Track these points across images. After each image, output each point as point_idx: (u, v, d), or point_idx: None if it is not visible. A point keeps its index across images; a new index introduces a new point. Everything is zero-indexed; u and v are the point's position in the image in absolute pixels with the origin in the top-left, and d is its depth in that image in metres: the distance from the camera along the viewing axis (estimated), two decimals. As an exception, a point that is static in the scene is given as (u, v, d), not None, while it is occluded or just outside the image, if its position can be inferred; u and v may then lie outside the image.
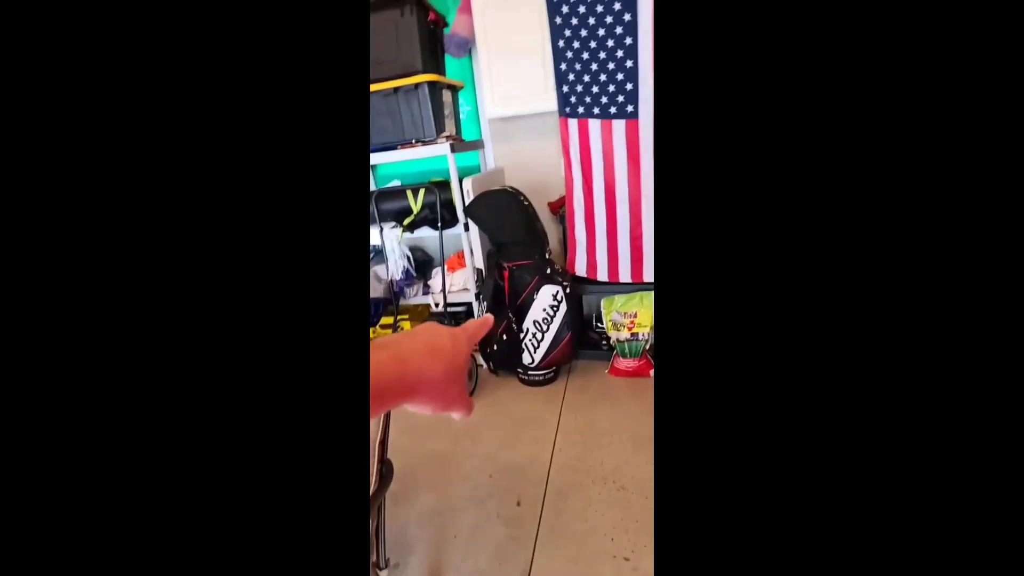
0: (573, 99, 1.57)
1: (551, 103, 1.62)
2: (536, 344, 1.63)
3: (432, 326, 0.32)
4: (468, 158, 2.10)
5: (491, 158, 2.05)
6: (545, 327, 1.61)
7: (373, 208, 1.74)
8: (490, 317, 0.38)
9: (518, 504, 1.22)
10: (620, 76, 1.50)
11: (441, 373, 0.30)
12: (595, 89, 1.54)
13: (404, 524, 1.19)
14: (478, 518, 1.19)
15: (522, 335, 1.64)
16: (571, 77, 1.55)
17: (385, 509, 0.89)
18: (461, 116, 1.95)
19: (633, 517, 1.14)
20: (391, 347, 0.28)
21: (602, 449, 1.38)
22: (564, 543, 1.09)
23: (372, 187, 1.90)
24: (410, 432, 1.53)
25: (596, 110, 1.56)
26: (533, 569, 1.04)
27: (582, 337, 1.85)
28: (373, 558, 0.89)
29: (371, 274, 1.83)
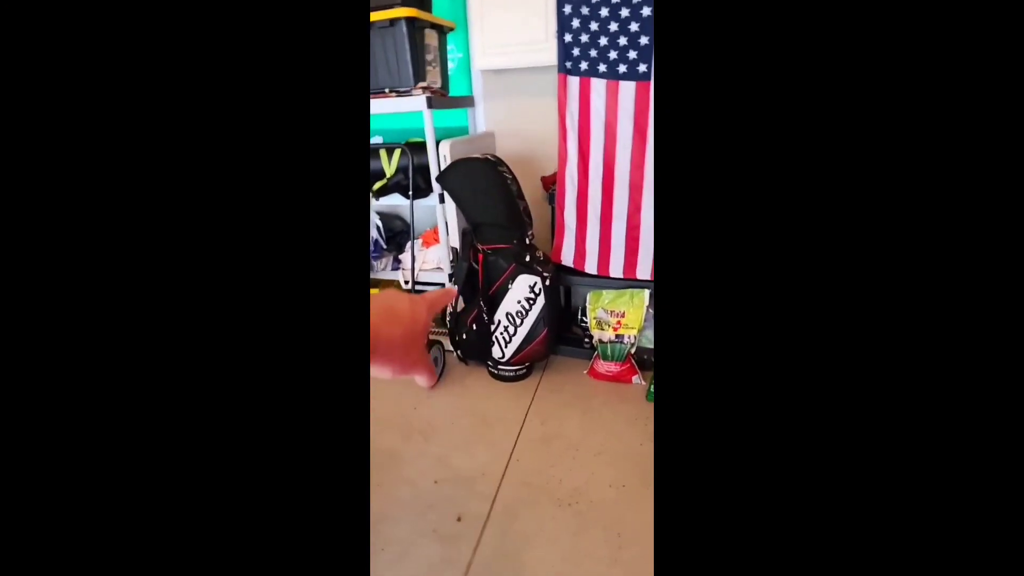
0: (576, 51, 1.31)
1: (553, 56, 1.36)
2: (507, 339, 1.46)
3: (391, 292, 0.33)
4: (454, 116, 1.84)
5: (481, 119, 1.79)
6: (519, 320, 1.43)
7: (338, 167, 1.53)
8: (453, 289, 0.43)
9: (459, 520, 1.09)
10: (634, 27, 1.23)
11: (399, 337, 0.31)
12: (603, 41, 1.27)
13: (332, 529, 1.08)
14: (413, 532, 1.07)
15: (493, 327, 1.47)
16: (575, 24, 1.28)
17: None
18: (450, 64, 1.68)
19: (586, 550, 1.00)
20: None
21: (564, 464, 1.23)
22: (502, 572, 0.97)
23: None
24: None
25: (602, 67, 1.30)
26: (460, 604, 0.92)
27: (564, 331, 1.67)
28: None
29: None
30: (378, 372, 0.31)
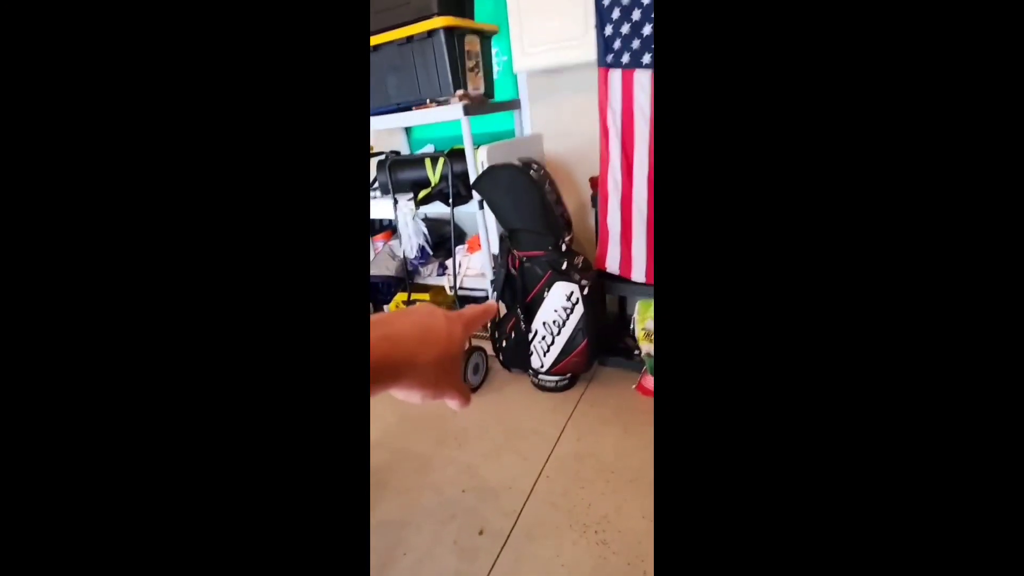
0: (617, 43, 1.21)
1: (593, 51, 1.27)
2: (546, 348, 1.41)
3: (428, 306, 0.31)
4: (500, 120, 1.81)
5: (528, 121, 1.74)
6: (556, 330, 1.37)
7: (387, 178, 1.60)
8: (494, 304, 0.37)
9: (480, 533, 1.08)
10: (680, 10, 1.10)
11: (433, 359, 0.29)
12: (647, 30, 1.16)
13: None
14: (434, 540, 1.08)
15: (531, 336, 1.43)
16: (615, 14, 1.18)
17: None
18: (495, 68, 1.66)
19: (604, 587, 0.93)
20: (383, 326, 0.27)
21: (595, 487, 1.16)
22: (513, 598, 0.94)
23: (400, 153, 1.75)
24: (394, 426, 1.46)
25: (646, 57, 1.18)
26: (468, 622, 0.91)
27: (616, 342, 1.57)
28: None
29: (386, 249, 1.73)
30: (407, 396, 0.29)
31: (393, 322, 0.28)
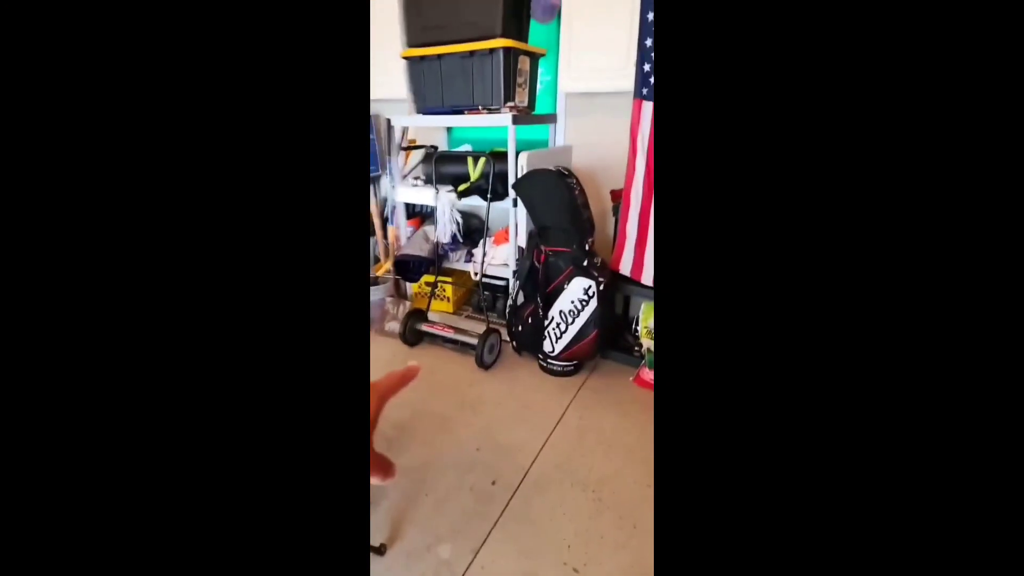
0: (653, 80, 1.41)
1: (630, 83, 1.48)
2: (559, 334, 1.59)
3: None
4: (536, 131, 2.02)
5: (561, 134, 1.95)
6: (571, 319, 1.55)
7: (432, 169, 1.79)
8: (416, 367, 0.34)
9: (493, 483, 1.24)
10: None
11: None
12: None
13: (388, 469, 1.29)
14: (453, 485, 1.24)
15: (546, 322, 1.61)
16: (654, 55, 1.39)
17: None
18: (538, 86, 1.87)
19: (599, 531, 1.09)
20: None
21: (594, 455, 1.33)
22: (521, 534, 1.10)
23: (436, 147, 1.94)
24: (418, 389, 1.61)
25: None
26: (483, 548, 1.07)
27: (617, 339, 1.76)
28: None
29: (421, 233, 1.90)
30: None
31: None
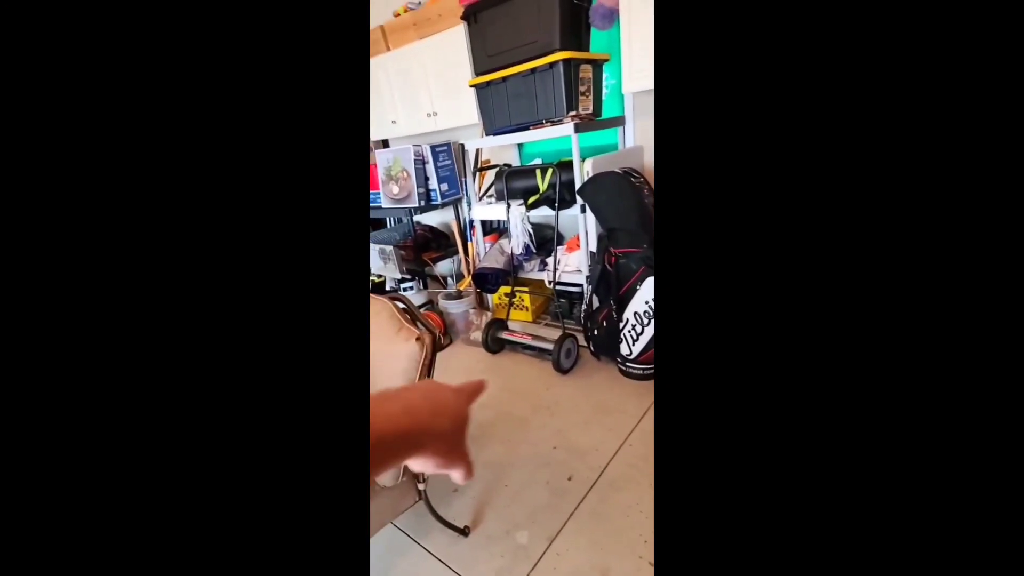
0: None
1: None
2: (635, 337, 1.57)
3: (433, 382, 0.32)
4: (605, 135, 2.03)
5: (631, 136, 1.94)
6: (646, 320, 1.52)
7: (504, 185, 1.90)
8: (483, 380, 0.36)
9: (569, 479, 1.27)
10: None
11: (447, 429, 0.29)
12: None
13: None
14: (530, 479, 1.29)
15: (622, 325, 1.60)
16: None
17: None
18: (604, 91, 1.89)
19: (679, 537, 1.06)
20: (398, 401, 0.28)
21: (675, 459, 1.28)
22: (596, 527, 1.11)
23: (510, 165, 2.06)
24: (496, 394, 1.71)
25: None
26: (559, 537, 1.10)
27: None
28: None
29: (497, 246, 2.02)
30: (423, 466, 0.30)
31: (406, 397, 0.29)
